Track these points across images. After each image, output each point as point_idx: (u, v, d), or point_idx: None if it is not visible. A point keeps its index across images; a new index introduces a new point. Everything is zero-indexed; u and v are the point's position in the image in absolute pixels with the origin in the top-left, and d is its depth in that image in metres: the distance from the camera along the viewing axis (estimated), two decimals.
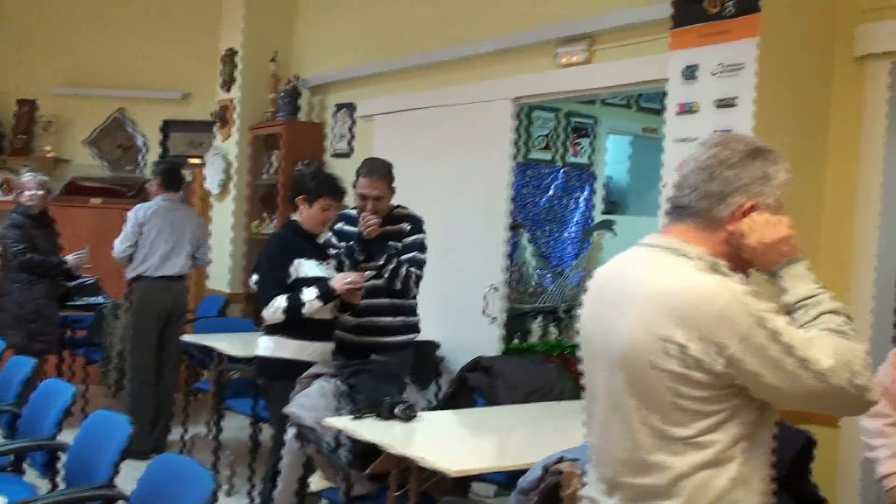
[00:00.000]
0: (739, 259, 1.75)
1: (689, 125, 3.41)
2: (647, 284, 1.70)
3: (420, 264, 4.21)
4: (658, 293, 1.67)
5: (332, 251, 4.29)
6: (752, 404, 1.66)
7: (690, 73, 3.46)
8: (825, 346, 1.60)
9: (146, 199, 5.94)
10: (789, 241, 1.72)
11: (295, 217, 4.10)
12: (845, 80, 3.41)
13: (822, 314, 1.67)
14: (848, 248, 3.39)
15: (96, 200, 7.65)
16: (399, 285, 4.14)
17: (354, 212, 4.27)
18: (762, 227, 1.71)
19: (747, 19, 3.27)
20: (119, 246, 5.58)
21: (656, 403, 1.66)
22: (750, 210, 1.72)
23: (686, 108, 3.48)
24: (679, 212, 1.77)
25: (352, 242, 4.19)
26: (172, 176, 5.81)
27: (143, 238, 5.56)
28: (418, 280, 4.21)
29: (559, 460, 2.47)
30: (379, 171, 4.17)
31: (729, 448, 1.65)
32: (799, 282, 1.71)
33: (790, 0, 3.32)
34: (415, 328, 4.35)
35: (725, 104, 3.33)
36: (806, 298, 1.69)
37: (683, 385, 1.63)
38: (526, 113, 6.25)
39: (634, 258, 1.81)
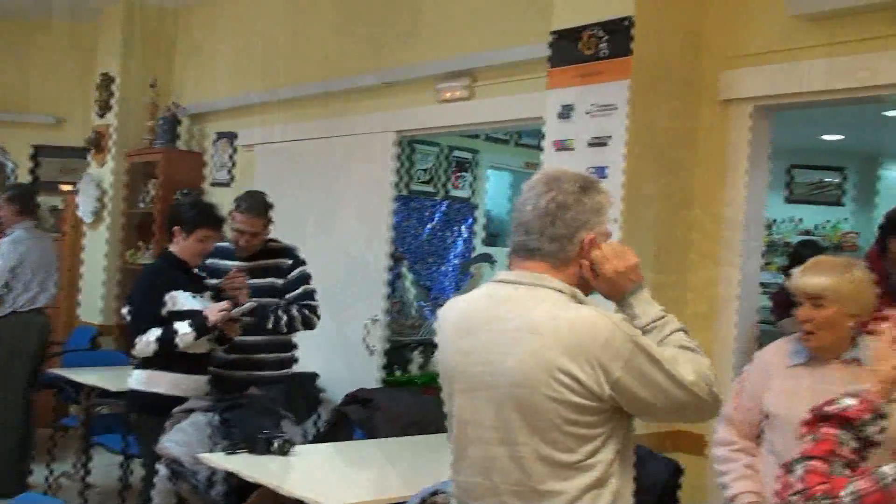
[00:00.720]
0: (585, 286, 1.87)
1: (566, 162, 3.48)
2: (531, 320, 1.77)
3: (311, 296, 4.20)
4: (544, 328, 1.75)
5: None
6: (622, 424, 1.79)
7: (566, 112, 3.56)
8: (685, 362, 1.77)
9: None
10: (637, 268, 1.87)
11: (171, 247, 4.00)
12: (711, 122, 3.58)
13: (671, 333, 1.84)
14: (715, 278, 3.54)
15: None
16: (301, 328, 4.14)
17: (228, 245, 4.21)
18: (612, 258, 1.85)
19: (619, 62, 3.39)
20: None
21: (549, 433, 1.74)
22: (593, 241, 1.84)
23: (562, 146, 3.57)
24: (529, 252, 1.86)
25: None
26: (35, 202, 5.58)
27: (19, 272, 5.30)
28: (316, 312, 4.20)
29: (436, 493, 2.49)
30: (257, 207, 4.12)
31: (609, 467, 1.77)
32: (647, 305, 1.87)
33: (660, 45, 3.46)
34: (289, 363, 4.31)
35: (599, 142, 3.43)
36: (657, 320, 1.85)
37: (576, 412, 1.72)
38: (408, 146, 6.29)
39: (499, 294, 1.87)
